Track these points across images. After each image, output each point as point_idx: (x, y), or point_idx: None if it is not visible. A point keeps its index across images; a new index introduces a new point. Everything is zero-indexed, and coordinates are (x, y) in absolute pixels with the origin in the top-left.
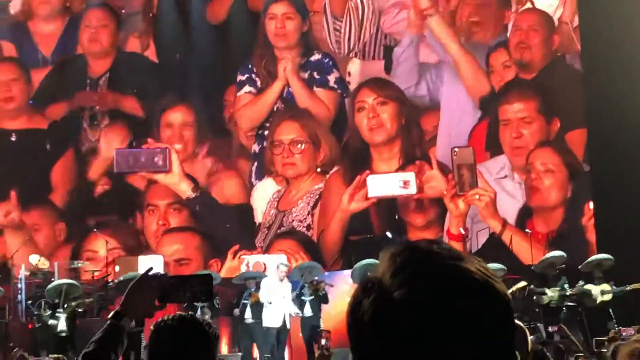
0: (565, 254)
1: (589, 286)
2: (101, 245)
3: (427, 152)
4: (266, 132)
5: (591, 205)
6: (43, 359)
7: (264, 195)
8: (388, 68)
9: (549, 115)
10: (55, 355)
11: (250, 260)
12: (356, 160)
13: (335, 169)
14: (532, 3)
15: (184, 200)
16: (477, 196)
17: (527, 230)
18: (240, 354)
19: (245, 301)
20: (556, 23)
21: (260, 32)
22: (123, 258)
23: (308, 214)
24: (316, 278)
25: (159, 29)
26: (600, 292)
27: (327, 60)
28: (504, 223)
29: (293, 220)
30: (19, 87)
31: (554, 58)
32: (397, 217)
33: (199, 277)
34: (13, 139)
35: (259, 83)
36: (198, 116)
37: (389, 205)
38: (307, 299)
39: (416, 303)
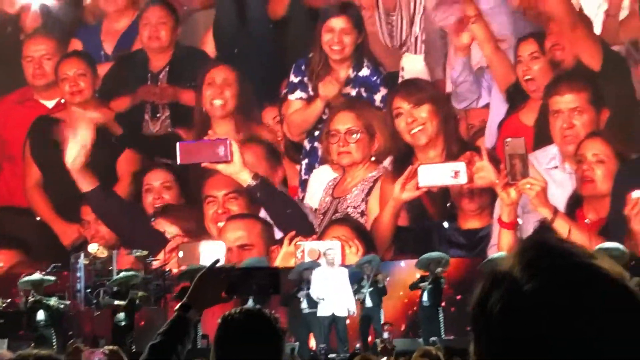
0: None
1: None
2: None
3: (475, 143)
4: (316, 133)
5: (634, 194)
6: (98, 350)
7: (321, 181)
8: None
9: (599, 105)
10: (110, 347)
11: (305, 247)
12: (403, 158)
13: (388, 161)
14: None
15: (241, 189)
16: (528, 185)
17: (586, 220)
18: (297, 344)
19: (302, 291)
20: (603, 17)
21: (316, 39)
22: (186, 244)
23: (362, 201)
24: (374, 269)
25: (218, 23)
26: None
27: (375, 78)
28: (555, 211)
29: (347, 207)
30: (86, 81)
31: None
32: (449, 204)
33: (265, 269)
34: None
35: (310, 88)
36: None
37: (441, 193)
38: (366, 290)
39: (546, 297)
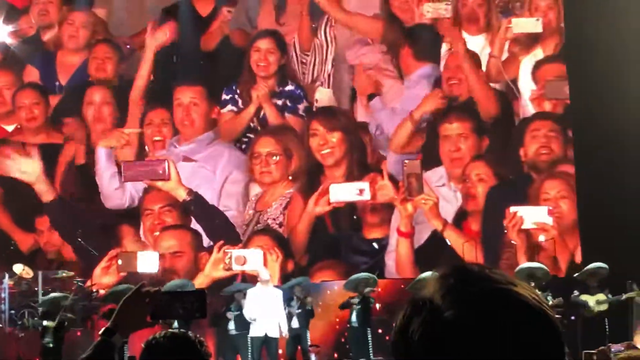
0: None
1: (584, 296)
2: (128, 240)
3: (379, 165)
4: (243, 146)
5: (512, 209)
6: None
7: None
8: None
9: (481, 133)
10: None
11: (232, 254)
12: (313, 174)
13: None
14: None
15: (176, 203)
16: (423, 201)
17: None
18: None
19: (230, 312)
20: (487, 58)
21: (245, 61)
22: (124, 253)
23: (280, 214)
24: (303, 290)
25: (157, 58)
26: (596, 302)
27: (299, 91)
28: (445, 223)
29: (268, 219)
30: (40, 109)
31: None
32: (355, 217)
33: (192, 293)
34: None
35: (240, 103)
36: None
37: (348, 208)
38: (295, 311)
39: (467, 324)
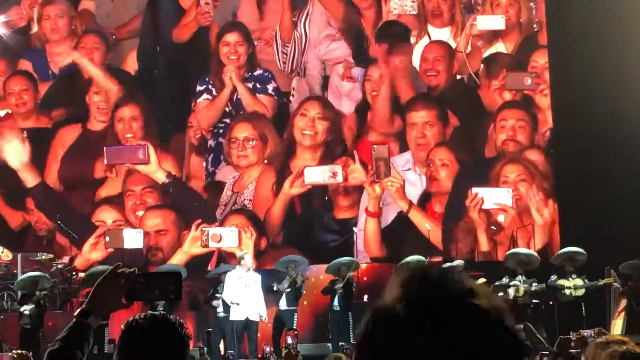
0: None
1: (561, 281)
2: (109, 217)
3: (351, 150)
4: (221, 131)
5: (474, 190)
6: (5, 354)
7: (223, 179)
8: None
9: (445, 121)
10: (18, 351)
11: (209, 232)
12: (285, 152)
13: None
14: (429, 37)
15: (156, 185)
16: (390, 183)
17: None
18: (199, 348)
19: (218, 295)
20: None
21: (214, 53)
22: (112, 230)
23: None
24: (298, 270)
25: (140, 49)
26: (573, 286)
27: (267, 74)
28: (410, 204)
29: (244, 200)
30: (29, 95)
31: (454, 78)
32: (326, 198)
33: (167, 275)
34: (25, 135)
35: (214, 92)
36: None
37: (321, 190)
38: (285, 290)
39: (430, 334)
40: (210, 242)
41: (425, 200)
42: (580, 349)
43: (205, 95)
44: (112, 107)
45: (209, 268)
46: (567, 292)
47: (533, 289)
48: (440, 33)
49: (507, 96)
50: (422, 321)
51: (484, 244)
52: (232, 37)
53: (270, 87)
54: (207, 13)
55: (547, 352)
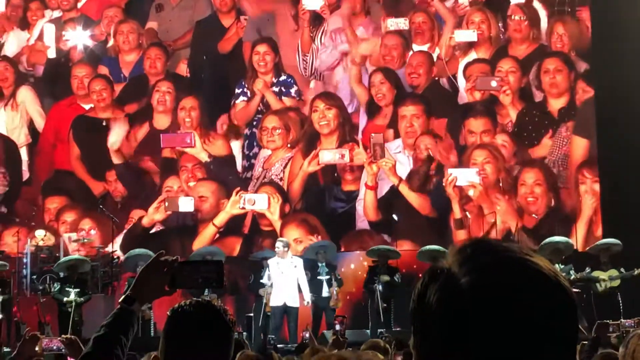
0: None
1: (596, 272)
2: (175, 183)
3: (355, 137)
4: (254, 123)
5: (449, 170)
6: (56, 338)
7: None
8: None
9: (430, 114)
10: (68, 336)
11: (245, 197)
12: (311, 141)
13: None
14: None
15: (201, 163)
16: (384, 163)
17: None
18: (238, 333)
19: (262, 280)
20: (435, 59)
21: (249, 62)
22: (170, 198)
23: (281, 171)
24: (327, 256)
25: (192, 57)
26: (608, 277)
27: (290, 80)
28: (400, 180)
29: (272, 175)
30: (107, 93)
31: (433, 81)
32: (336, 174)
33: (210, 262)
34: (104, 124)
35: (249, 94)
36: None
37: (331, 168)
38: (324, 278)
39: (483, 291)
40: (247, 204)
41: (411, 176)
42: (620, 338)
43: (242, 98)
44: (175, 99)
45: (245, 224)
46: (603, 284)
47: (572, 277)
48: (422, 49)
49: (477, 95)
50: (475, 278)
51: (457, 213)
52: (261, 48)
53: (292, 91)
54: (244, 27)
55: (587, 341)
